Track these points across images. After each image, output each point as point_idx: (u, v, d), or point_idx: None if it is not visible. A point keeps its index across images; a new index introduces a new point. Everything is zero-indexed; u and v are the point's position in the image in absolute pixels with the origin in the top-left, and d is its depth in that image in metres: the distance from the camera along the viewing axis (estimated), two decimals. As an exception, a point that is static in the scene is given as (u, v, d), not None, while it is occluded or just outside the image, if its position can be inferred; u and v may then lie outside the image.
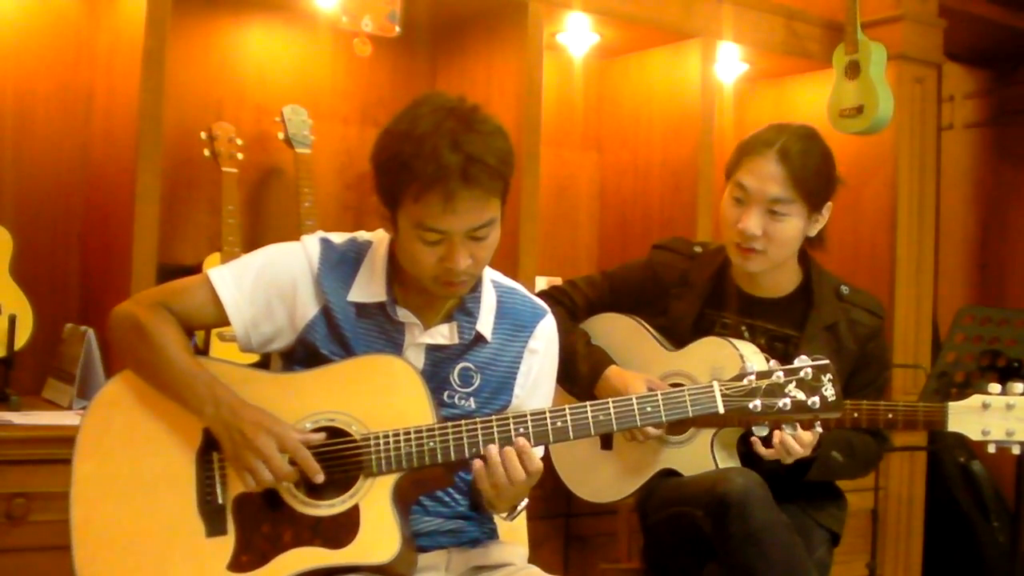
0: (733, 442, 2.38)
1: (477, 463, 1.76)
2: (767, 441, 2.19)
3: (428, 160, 1.69)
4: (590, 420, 1.79)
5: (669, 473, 2.42)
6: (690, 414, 1.81)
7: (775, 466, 2.26)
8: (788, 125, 2.38)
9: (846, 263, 3.79)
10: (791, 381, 1.81)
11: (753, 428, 1.88)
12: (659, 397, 1.80)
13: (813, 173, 2.31)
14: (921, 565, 4.09)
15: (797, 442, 2.18)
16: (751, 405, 1.81)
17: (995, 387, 2.19)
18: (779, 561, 2.14)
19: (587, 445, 2.56)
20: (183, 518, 1.77)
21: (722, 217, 2.39)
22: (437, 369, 1.88)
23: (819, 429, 2.09)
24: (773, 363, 1.85)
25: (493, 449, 1.75)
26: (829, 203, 2.38)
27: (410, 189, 1.72)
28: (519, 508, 1.92)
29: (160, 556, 1.76)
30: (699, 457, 2.36)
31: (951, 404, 2.21)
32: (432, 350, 1.88)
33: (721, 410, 1.80)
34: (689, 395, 1.80)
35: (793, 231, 2.33)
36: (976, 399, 2.19)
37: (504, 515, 1.94)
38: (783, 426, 1.96)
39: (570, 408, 1.79)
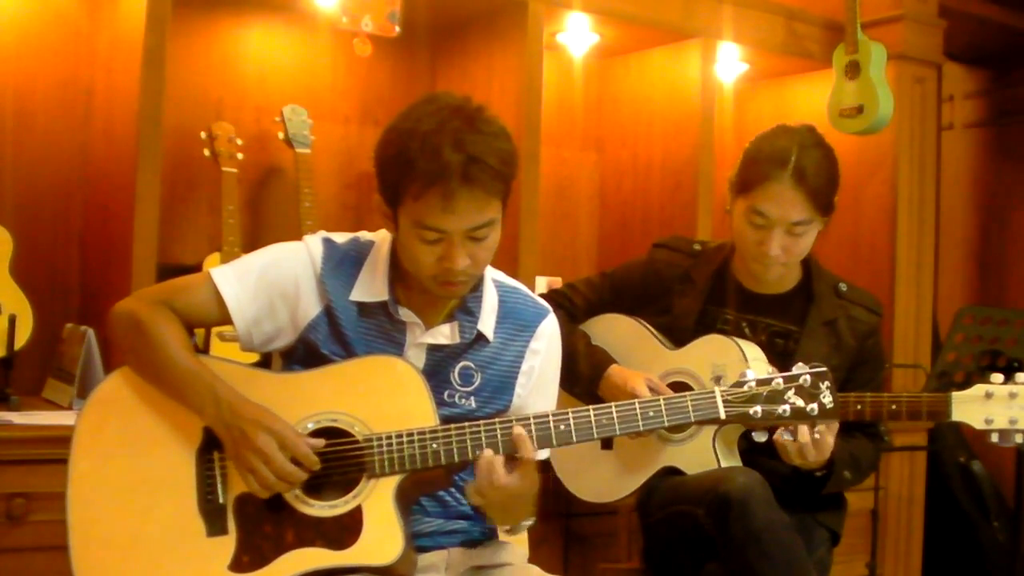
0: (735, 439, 2.38)
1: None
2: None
3: (429, 158, 1.70)
4: (593, 423, 1.79)
5: (670, 471, 2.42)
6: (692, 419, 1.84)
7: (777, 466, 2.26)
8: (794, 130, 2.38)
9: (846, 263, 3.80)
10: (790, 388, 1.84)
11: (752, 434, 1.91)
12: (662, 402, 1.82)
13: (826, 185, 2.33)
14: (921, 565, 4.09)
15: (822, 445, 2.15)
16: (752, 411, 1.84)
17: (998, 377, 2.20)
18: (780, 561, 2.14)
19: (587, 444, 2.55)
20: (183, 518, 1.76)
21: (738, 233, 2.40)
22: (438, 368, 1.87)
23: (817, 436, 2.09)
24: (771, 370, 1.88)
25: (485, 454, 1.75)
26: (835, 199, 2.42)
27: (411, 187, 1.73)
28: (523, 524, 1.90)
29: (160, 556, 1.75)
30: (701, 454, 2.36)
31: (954, 394, 2.22)
32: (433, 350, 1.88)
33: (723, 416, 1.84)
34: (691, 400, 1.83)
35: (811, 241, 2.38)
36: (979, 388, 2.20)
37: (505, 529, 1.92)
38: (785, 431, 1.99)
39: (573, 411, 1.80)
